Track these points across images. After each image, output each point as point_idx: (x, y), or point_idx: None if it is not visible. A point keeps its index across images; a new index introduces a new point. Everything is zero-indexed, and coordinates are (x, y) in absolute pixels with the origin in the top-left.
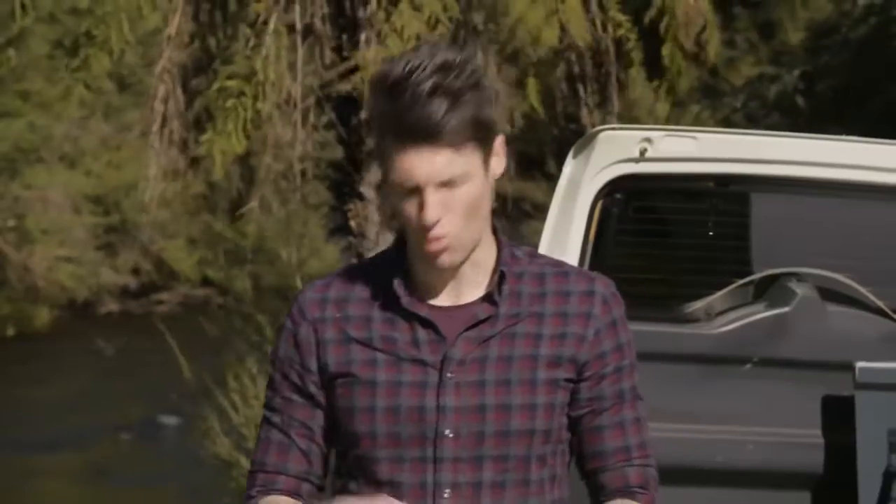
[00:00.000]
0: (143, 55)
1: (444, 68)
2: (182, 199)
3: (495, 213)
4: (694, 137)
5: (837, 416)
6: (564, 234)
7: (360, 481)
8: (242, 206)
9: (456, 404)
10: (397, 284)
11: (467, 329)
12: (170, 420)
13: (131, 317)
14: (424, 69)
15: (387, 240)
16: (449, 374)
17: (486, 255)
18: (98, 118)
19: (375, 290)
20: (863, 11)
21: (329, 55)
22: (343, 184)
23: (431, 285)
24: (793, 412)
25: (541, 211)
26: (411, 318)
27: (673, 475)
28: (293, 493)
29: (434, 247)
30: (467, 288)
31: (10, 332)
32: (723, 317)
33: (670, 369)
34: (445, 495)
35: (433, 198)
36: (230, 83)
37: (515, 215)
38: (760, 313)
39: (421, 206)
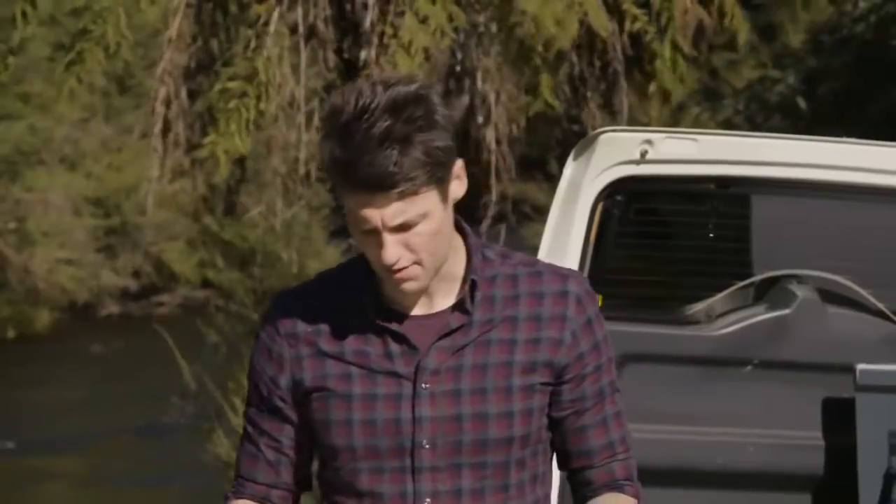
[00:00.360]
0: (144, 56)
1: (395, 108)
2: (182, 201)
3: (496, 217)
4: (694, 139)
5: (838, 418)
6: (565, 236)
7: (342, 493)
8: (240, 207)
9: (431, 414)
10: (368, 299)
11: (440, 338)
12: (170, 422)
13: (131, 319)
14: (374, 111)
15: None
16: (423, 385)
17: (456, 264)
18: (98, 120)
19: (346, 303)
20: (864, 10)
21: (332, 58)
22: None
23: (401, 297)
24: (793, 414)
25: (541, 213)
26: (383, 330)
27: (673, 477)
28: (262, 499)
29: (401, 275)
30: (438, 296)
31: (11, 334)
32: (723, 319)
33: (671, 371)
34: (426, 503)
35: (390, 239)
36: (232, 84)
37: (516, 217)
38: (761, 315)
39: (380, 246)
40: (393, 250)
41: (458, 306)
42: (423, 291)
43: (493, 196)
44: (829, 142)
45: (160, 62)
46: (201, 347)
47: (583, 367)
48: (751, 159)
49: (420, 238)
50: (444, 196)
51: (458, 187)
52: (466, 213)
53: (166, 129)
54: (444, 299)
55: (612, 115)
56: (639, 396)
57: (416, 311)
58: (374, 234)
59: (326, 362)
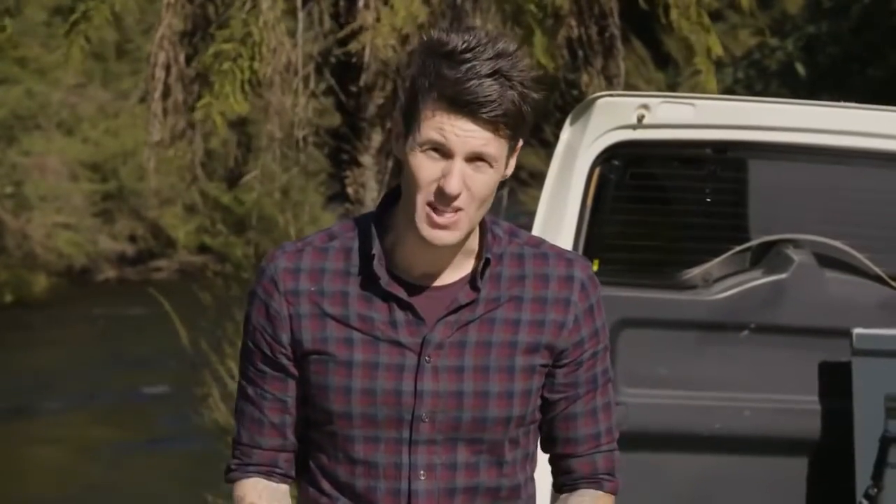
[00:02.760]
0: (140, 21)
1: (503, 55)
2: (179, 166)
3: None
4: (692, 104)
5: (835, 383)
6: (562, 201)
7: (334, 457)
8: (238, 173)
9: (433, 389)
10: (377, 263)
11: (448, 313)
12: (167, 387)
13: (128, 284)
14: (484, 50)
15: None
16: (427, 358)
17: (471, 237)
18: (96, 85)
19: (352, 264)
20: None
21: (328, 22)
22: (341, 151)
23: (412, 263)
24: (790, 378)
25: (538, 178)
26: (389, 297)
27: (671, 441)
28: (269, 466)
29: (443, 219)
30: (448, 269)
31: (8, 298)
32: (720, 283)
33: (668, 336)
34: (421, 476)
35: (460, 168)
36: (226, 46)
37: (512, 182)
38: (758, 280)
39: (445, 174)
40: (458, 181)
41: (469, 282)
42: (437, 253)
43: None
44: (826, 106)
45: (159, 27)
46: (198, 312)
47: (581, 353)
48: (748, 124)
49: (481, 181)
50: (508, 158)
51: (512, 164)
52: None
53: (166, 93)
54: (453, 272)
55: (608, 80)
56: (636, 361)
57: (424, 281)
58: (442, 160)
59: (328, 324)
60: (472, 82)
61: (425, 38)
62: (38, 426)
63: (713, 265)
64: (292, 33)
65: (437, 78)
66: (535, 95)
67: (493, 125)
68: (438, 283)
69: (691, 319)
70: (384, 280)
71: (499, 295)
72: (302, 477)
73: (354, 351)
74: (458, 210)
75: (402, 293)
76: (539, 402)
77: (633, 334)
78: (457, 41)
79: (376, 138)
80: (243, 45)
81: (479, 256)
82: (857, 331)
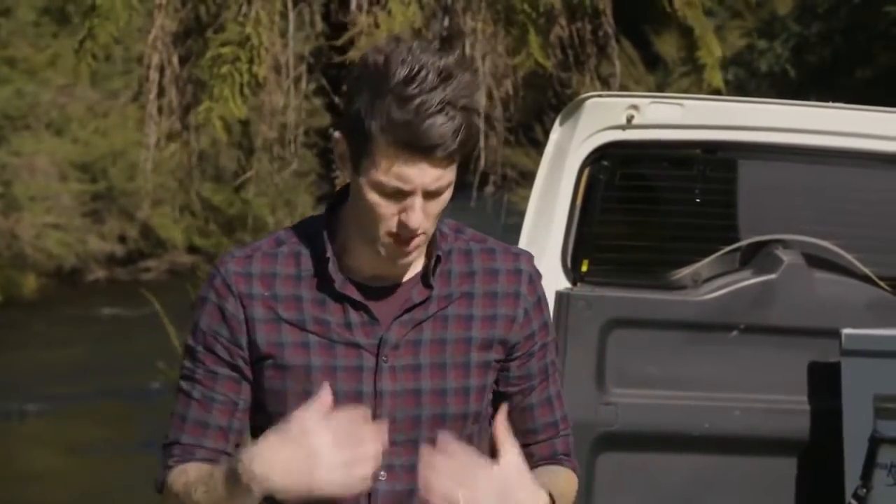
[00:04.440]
0: (129, 23)
1: (447, 77)
2: (170, 166)
3: (482, 182)
4: (680, 104)
5: (823, 383)
6: (551, 202)
7: None
8: (233, 173)
9: (392, 388)
10: (331, 267)
11: (403, 312)
12: (156, 387)
13: (118, 284)
14: (427, 75)
15: None
16: (384, 358)
17: None
18: (85, 85)
19: (303, 268)
20: None
21: (319, 23)
22: (330, 151)
23: (363, 265)
24: (779, 378)
25: (527, 178)
26: (343, 299)
27: (661, 441)
28: (211, 462)
29: (405, 250)
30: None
31: None
32: (709, 284)
33: (657, 336)
34: (381, 477)
35: (420, 205)
36: (224, 50)
37: (498, 181)
38: (747, 280)
39: (402, 210)
40: (419, 215)
41: (421, 279)
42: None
43: (482, 162)
44: (815, 106)
45: (152, 29)
46: (188, 313)
47: (532, 345)
48: (737, 124)
49: (437, 207)
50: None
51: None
52: (457, 179)
53: (160, 95)
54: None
55: (603, 81)
56: (625, 361)
57: (376, 281)
58: (401, 198)
59: (283, 328)
60: (424, 124)
61: (365, 65)
62: (26, 426)
63: (703, 265)
64: (282, 34)
65: (388, 122)
66: (480, 105)
67: (446, 160)
68: (390, 282)
69: (681, 320)
70: (338, 282)
71: (450, 292)
72: None
73: (312, 355)
74: (419, 234)
75: (356, 295)
76: (491, 397)
77: (623, 334)
78: (400, 71)
79: None
80: (241, 48)
81: (429, 254)
82: (845, 331)
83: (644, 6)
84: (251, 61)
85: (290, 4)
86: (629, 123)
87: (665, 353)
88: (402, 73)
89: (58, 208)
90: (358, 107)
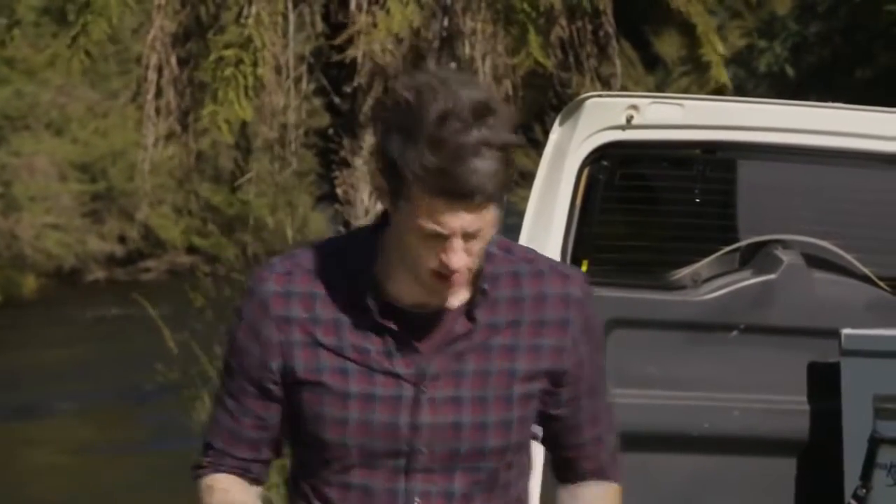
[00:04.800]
0: (122, 20)
1: (482, 114)
2: (170, 167)
3: None
4: (680, 105)
5: (823, 383)
6: (551, 202)
7: (326, 480)
8: (233, 174)
9: (431, 421)
10: (373, 293)
11: (445, 344)
12: (155, 387)
13: (118, 284)
14: (459, 116)
15: (374, 210)
16: (423, 389)
17: None
18: (84, 85)
19: (345, 291)
20: None
21: (319, 23)
22: (330, 151)
23: (405, 292)
24: (779, 379)
25: (527, 178)
26: (384, 327)
27: (660, 442)
28: (242, 470)
29: (448, 287)
30: None
31: None
32: (709, 284)
33: (657, 336)
34: (416, 501)
35: (460, 245)
36: (227, 53)
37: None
38: (747, 280)
39: (442, 251)
40: (461, 256)
41: (466, 312)
42: None
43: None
44: (814, 106)
45: (151, 29)
46: (188, 313)
47: (581, 370)
48: (737, 124)
49: (480, 244)
50: (501, 199)
51: (509, 186)
52: None
53: (158, 95)
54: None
55: (604, 81)
56: (625, 362)
57: (418, 309)
58: (440, 239)
59: (321, 353)
60: (460, 170)
61: (395, 102)
62: (26, 426)
63: (702, 266)
64: (283, 34)
65: (422, 169)
66: (518, 139)
67: (485, 203)
68: (433, 309)
69: (680, 320)
70: (380, 310)
71: (496, 321)
72: (293, 494)
73: (350, 382)
74: (463, 277)
75: (397, 323)
76: (534, 415)
77: (623, 334)
78: (432, 110)
79: (369, 140)
80: (244, 50)
81: (474, 283)
82: (845, 331)
83: (644, 6)
84: (255, 64)
85: (290, 5)
86: (629, 123)
87: (664, 354)
88: (434, 112)
89: (57, 208)
90: (391, 149)
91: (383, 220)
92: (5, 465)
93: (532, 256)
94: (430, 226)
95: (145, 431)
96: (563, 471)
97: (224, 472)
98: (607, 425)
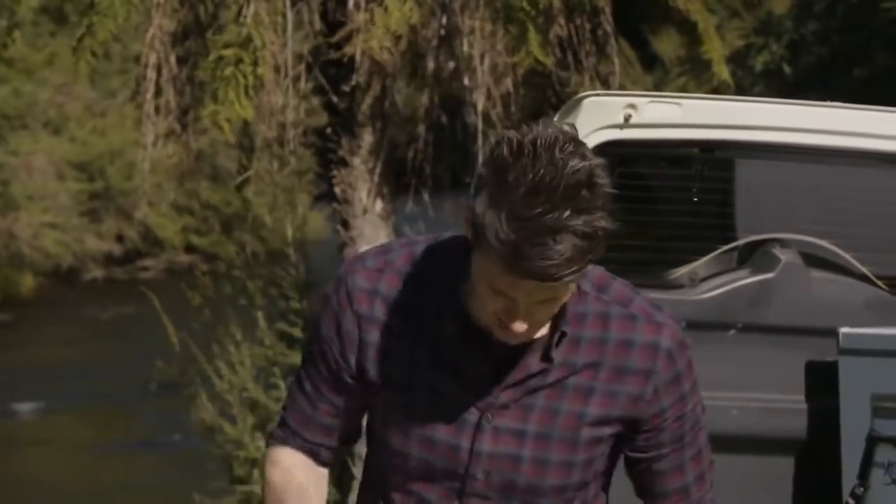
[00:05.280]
0: (128, 20)
1: (572, 191)
2: (168, 166)
3: None
4: (678, 104)
5: (821, 382)
6: None
7: (389, 482)
8: (232, 173)
9: (491, 450)
10: (451, 316)
11: (518, 380)
12: (153, 386)
13: (116, 283)
14: (551, 191)
15: (373, 209)
16: (489, 417)
17: None
18: (83, 84)
19: (430, 300)
20: None
21: (317, 21)
22: (328, 150)
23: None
24: (777, 378)
25: None
26: (460, 348)
27: None
28: (309, 452)
29: (505, 336)
30: None
31: None
32: (707, 283)
33: None
34: None
35: (523, 310)
36: (227, 52)
37: None
38: (744, 279)
39: (507, 308)
40: (522, 323)
41: (544, 348)
42: None
43: (479, 161)
44: (812, 105)
45: (150, 28)
46: (186, 312)
47: (662, 421)
48: (735, 123)
49: (550, 313)
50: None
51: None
52: (455, 177)
53: (157, 94)
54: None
55: (602, 80)
56: None
57: (498, 339)
58: (507, 298)
59: (393, 361)
60: (533, 252)
61: (493, 154)
62: (24, 426)
63: (700, 264)
64: (281, 32)
65: (497, 238)
66: (611, 224)
67: (559, 283)
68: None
69: (678, 318)
70: (460, 328)
71: (575, 361)
72: (364, 489)
73: (415, 396)
74: (524, 336)
75: (476, 345)
76: (606, 456)
77: None
78: (522, 180)
79: (368, 138)
80: (244, 49)
81: (556, 322)
82: (843, 330)
83: (643, 5)
84: (255, 63)
85: (288, 4)
86: (627, 122)
87: None
88: (524, 185)
89: (55, 207)
90: (478, 204)
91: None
92: (4, 463)
93: (627, 298)
94: (496, 287)
95: (144, 430)
96: None
97: (292, 448)
98: (695, 478)
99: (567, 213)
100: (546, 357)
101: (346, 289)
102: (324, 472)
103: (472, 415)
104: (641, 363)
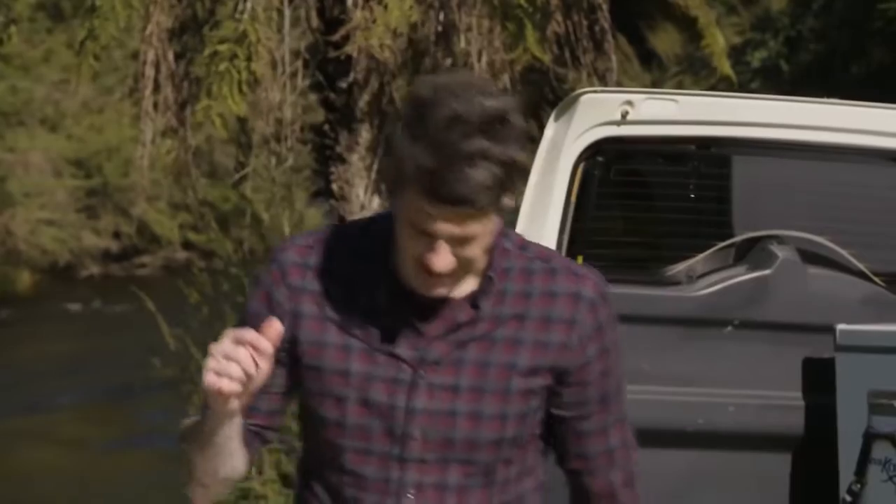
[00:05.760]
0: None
1: (487, 123)
2: (165, 163)
3: None
4: (675, 100)
5: (818, 379)
6: (546, 197)
7: (324, 463)
8: (229, 169)
9: (426, 406)
10: (380, 280)
11: (448, 331)
12: (151, 383)
13: (113, 280)
14: (467, 122)
15: (370, 205)
16: (422, 374)
17: None
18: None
19: (359, 271)
20: None
21: (315, 18)
22: (325, 147)
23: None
24: (774, 374)
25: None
26: (391, 310)
27: (654, 438)
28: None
29: (431, 283)
30: None
31: None
32: (704, 279)
33: (651, 332)
34: (409, 494)
35: (446, 248)
36: (222, 48)
37: None
38: (741, 276)
39: (429, 249)
40: (445, 259)
41: (471, 300)
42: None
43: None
44: (809, 102)
45: (147, 24)
46: (183, 308)
47: (588, 373)
48: (732, 120)
49: (471, 252)
50: (500, 210)
51: (510, 201)
52: None
53: (155, 91)
54: (457, 287)
55: (600, 77)
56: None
57: (426, 295)
58: (429, 237)
59: (327, 328)
60: (450, 176)
61: (412, 97)
62: (21, 422)
63: (697, 261)
64: (278, 29)
65: (416, 168)
66: (524, 156)
67: (477, 212)
68: (440, 297)
69: (675, 315)
70: (390, 291)
71: (501, 312)
72: (300, 478)
73: (351, 360)
74: (450, 275)
75: (405, 306)
76: (539, 416)
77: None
78: (440, 114)
79: (365, 135)
80: (239, 45)
81: (482, 274)
82: (840, 327)
83: (640, 1)
84: (249, 58)
85: (285, 0)
86: (624, 119)
87: (659, 349)
88: (442, 115)
89: (52, 204)
90: (397, 143)
91: None
92: (1, 460)
93: (548, 255)
94: (418, 225)
95: (141, 427)
96: (574, 490)
97: None
98: (619, 443)
99: (482, 141)
100: (474, 305)
101: (278, 265)
102: (242, 428)
103: (406, 373)
104: (565, 312)
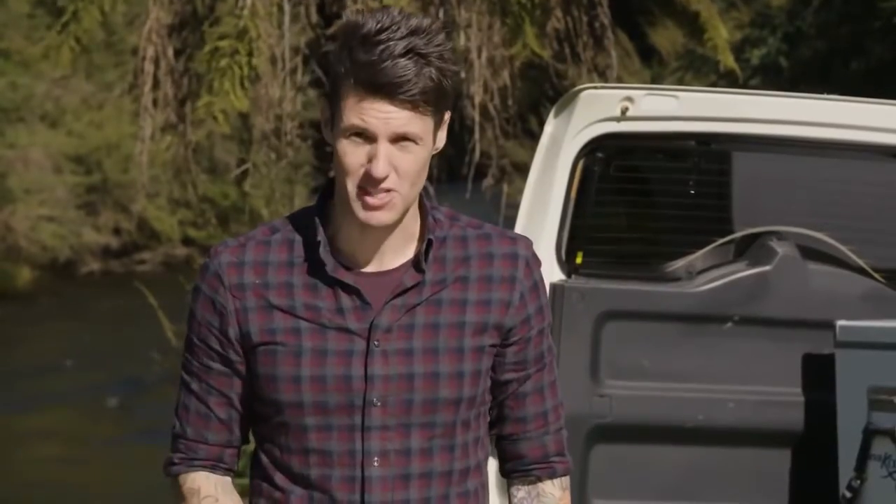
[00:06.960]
0: (125, 13)
1: (417, 32)
2: (164, 159)
3: (477, 174)
4: (675, 96)
5: (818, 375)
6: (546, 193)
7: (286, 449)
8: (223, 165)
9: (384, 373)
10: (322, 250)
11: (394, 297)
12: (151, 380)
13: (113, 276)
14: (398, 29)
15: None
16: (376, 342)
17: (412, 221)
18: (79, 77)
19: (296, 255)
20: None
21: (314, 14)
22: (325, 143)
23: (355, 250)
24: (774, 370)
25: (521, 170)
26: (335, 284)
27: (654, 433)
28: (215, 461)
29: (376, 201)
30: (391, 254)
31: None
32: (704, 275)
33: (651, 328)
34: (375, 463)
35: (385, 152)
36: (222, 44)
37: (496, 174)
38: (741, 272)
39: (370, 158)
40: (385, 163)
41: (413, 265)
42: (379, 239)
43: (477, 154)
44: (809, 98)
45: (147, 20)
46: (183, 305)
47: (528, 330)
48: (731, 116)
49: (408, 161)
50: (435, 133)
51: (442, 137)
52: (452, 170)
53: (155, 87)
54: (397, 257)
55: (600, 73)
56: (619, 353)
57: (369, 267)
58: (368, 143)
59: (275, 315)
60: (385, 63)
61: (345, 22)
62: (21, 418)
63: (697, 257)
64: (278, 25)
65: (352, 63)
66: (453, 68)
67: (412, 104)
68: (383, 268)
69: (675, 311)
70: (330, 266)
71: (444, 276)
72: (254, 473)
73: (302, 339)
74: (389, 190)
75: (348, 278)
76: (489, 383)
77: (617, 326)
78: (371, 23)
79: None
80: (239, 40)
81: (421, 239)
82: (840, 323)
83: None
84: (250, 54)
85: None
86: (624, 115)
87: (659, 345)
88: (371, 25)
89: (52, 201)
90: (334, 58)
91: (330, 186)
92: (1, 457)
93: (478, 223)
94: (356, 121)
95: (142, 422)
96: (507, 460)
97: (198, 468)
98: (552, 406)
99: (414, 39)
100: (418, 268)
101: (213, 270)
102: (227, 481)
103: (359, 344)
104: (505, 271)
